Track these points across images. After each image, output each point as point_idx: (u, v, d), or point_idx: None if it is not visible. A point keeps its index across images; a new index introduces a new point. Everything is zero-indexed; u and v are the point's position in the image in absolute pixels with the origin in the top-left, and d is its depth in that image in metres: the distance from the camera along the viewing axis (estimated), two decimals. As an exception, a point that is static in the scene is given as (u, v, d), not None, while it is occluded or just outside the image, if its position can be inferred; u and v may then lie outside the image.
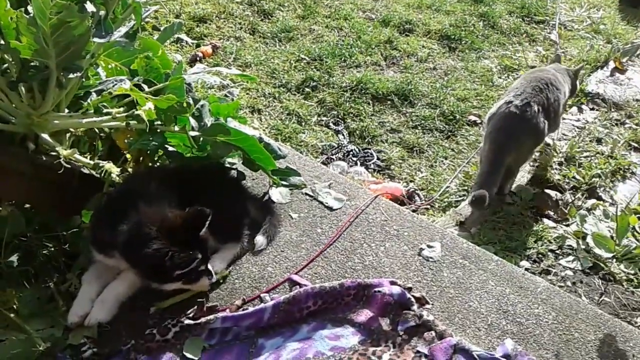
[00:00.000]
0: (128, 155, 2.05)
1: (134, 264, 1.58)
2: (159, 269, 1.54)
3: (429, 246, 1.95)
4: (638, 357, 1.69)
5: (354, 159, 2.96)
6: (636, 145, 3.12)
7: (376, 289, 1.71)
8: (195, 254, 1.58)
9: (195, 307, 1.64)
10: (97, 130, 2.02)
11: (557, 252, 2.37)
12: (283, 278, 1.79)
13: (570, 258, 2.33)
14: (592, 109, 3.43)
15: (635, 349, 1.71)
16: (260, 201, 2.07)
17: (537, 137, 2.57)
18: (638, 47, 1.97)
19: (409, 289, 1.74)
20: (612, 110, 3.40)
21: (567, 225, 2.50)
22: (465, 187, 2.80)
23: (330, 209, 2.09)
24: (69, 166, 1.73)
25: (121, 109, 1.81)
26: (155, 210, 1.60)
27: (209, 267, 1.66)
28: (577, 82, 3.03)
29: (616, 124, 3.27)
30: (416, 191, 2.76)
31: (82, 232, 1.79)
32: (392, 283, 1.74)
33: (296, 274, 1.80)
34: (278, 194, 2.09)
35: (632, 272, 2.27)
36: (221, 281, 1.77)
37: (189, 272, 1.58)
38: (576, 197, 2.68)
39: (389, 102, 3.40)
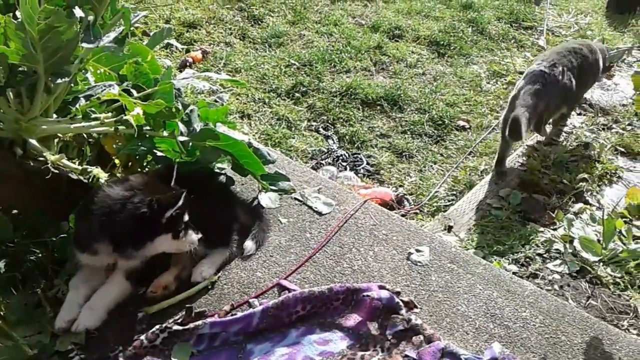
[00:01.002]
0: (117, 161, 2.05)
1: (119, 232, 1.54)
2: (147, 220, 1.53)
3: (417, 250, 1.96)
4: (624, 359, 1.70)
5: (344, 164, 2.97)
6: (623, 149, 3.15)
7: (365, 294, 1.71)
8: (179, 192, 1.58)
9: (184, 312, 1.64)
10: (85, 135, 2.01)
11: (545, 255, 2.39)
12: (272, 283, 1.80)
13: (558, 262, 2.35)
14: (579, 114, 3.46)
15: (621, 351, 1.72)
16: (249, 206, 2.07)
17: (566, 93, 2.87)
18: (624, 52, 2.00)
19: (398, 293, 1.75)
20: (599, 115, 3.44)
21: (555, 229, 2.52)
22: (454, 192, 2.81)
23: (320, 213, 2.09)
24: (57, 171, 1.72)
25: (110, 114, 1.81)
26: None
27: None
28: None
29: (603, 129, 3.31)
30: (405, 196, 2.77)
31: (70, 238, 1.78)
32: (381, 287, 1.75)
33: (285, 279, 1.81)
34: (267, 199, 2.10)
35: (619, 275, 2.29)
36: (210, 287, 1.76)
37: (176, 219, 1.57)
38: (563, 201, 2.70)
39: (378, 107, 3.41)
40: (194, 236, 1.66)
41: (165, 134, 1.94)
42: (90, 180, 1.71)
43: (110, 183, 1.67)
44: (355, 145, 3.12)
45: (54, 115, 1.88)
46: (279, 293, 1.76)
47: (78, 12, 1.55)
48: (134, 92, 1.95)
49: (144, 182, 1.64)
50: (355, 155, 3.04)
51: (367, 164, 2.99)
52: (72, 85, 1.93)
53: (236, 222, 1.91)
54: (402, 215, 2.48)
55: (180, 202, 1.57)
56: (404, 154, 3.09)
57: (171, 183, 1.64)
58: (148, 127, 1.92)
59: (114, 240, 1.57)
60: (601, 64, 3.09)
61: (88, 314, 1.58)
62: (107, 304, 1.62)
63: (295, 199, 2.14)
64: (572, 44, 3.13)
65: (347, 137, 3.16)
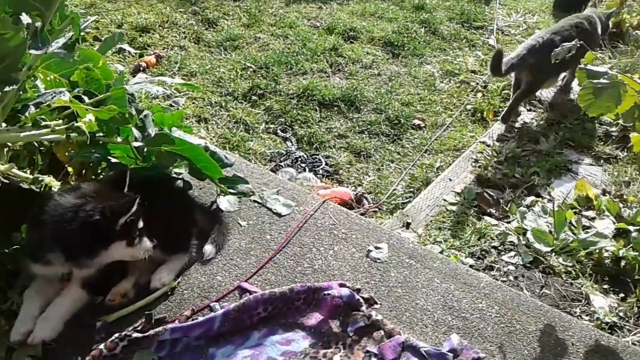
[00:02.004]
0: (69, 169, 2.01)
1: (72, 241, 1.51)
2: (100, 227, 1.51)
3: (376, 247, 2.00)
4: (577, 345, 1.77)
5: (303, 165, 2.98)
6: (571, 143, 3.27)
7: (325, 292, 1.73)
8: (132, 198, 1.56)
9: (143, 319, 1.62)
10: (36, 144, 1.97)
11: (500, 248, 2.45)
12: (233, 286, 1.80)
13: (512, 253, 2.42)
14: (529, 111, 3.57)
15: (574, 337, 1.79)
16: (207, 210, 2.06)
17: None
18: (568, 49, 2.08)
19: (358, 290, 1.77)
20: (548, 111, 3.55)
21: (508, 222, 2.60)
22: (411, 189, 2.87)
23: (279, 215, 2.10)
24: (7, 181, 1.68)
25: (60, 122, 1.77)
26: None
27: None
28: (609, 23, 3.74)
29: (552, 124, 3.42)
30: (364, 195, 2.80)
31: (22, 249, 1.74)
32: (341, 285, 1.77)
33: (246, 281, 1.81)
34: (226, 202, 2.10)
35: (570, 264, 2.38)
36: (169, 293, 1.75)
37: (130, 226, 1.56)
38: (516, 194, 2.78)
39: (335, 108, 3.44)
40: (148, 243, 1.64)
41: (119, 140, 1.91)
42: (42, 189, 1.67)
43: (61, 191, 1.64)
44: (314, 146, 3.14)
45: (3, 124, 1.83)
46: (240, 296, 1.76)
47: (25, 19, 1.52)
48: (85, 98, 1.91)
49: (96, 190, 1.61)
50: (313, 156, 3.06)
51: (326, 164, 3.02)
52: (21, 93, 1.88)
53: (195, 227, 1.90)
54: (362, 214, 2.51)
55: (134, 209, 1.55)
56: (361, 153, 3.12)
57: (124, 190, 1.62)
58: (101, 134, 1.89)
59: (66, 250, 1.54)
60: (600, 30, 3.53)
61: (43, 325, 1.55)
62: (63, 314, 1.59)
63: (255, 201, 2.15)
64: (574, 19, 3.49)
65: (305, 138, 3.18)
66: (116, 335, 1.56)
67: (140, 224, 1.61)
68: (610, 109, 1.66)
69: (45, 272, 1.61)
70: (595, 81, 1.67)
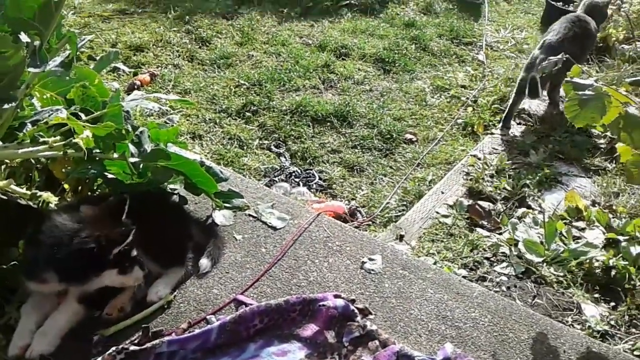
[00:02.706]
0: (66, 185, 2.03)
1: (65, 264, 1.54)
2: (94, 255, 1.53)
3: (370, 259, 2.02)
4: (569, 352, 1.80)
5: (296, 180, 3.02)
6: (561, 155, 3.32)
7: (321, 303, 1.76)
8: (128, 228, 1.59)
9: (140, 332, 1.63)
10: (33, 160, 1.99)
11: (492, 259, 2.49)
12: (229, 299, 1.81)
13: (504, 264, 2.45)
14: (519, 124, 3.63)
15: (565, 345, 1.82)
16: (203, 224, 2.09)
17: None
18: (554, 63, 2.14)
19: (353, 301, 1.79)
20: (538, 124, 3.61)
21: (500, 234, 2.64)
22: (404, 202, 2.90)
23: (274, 228, 2.13)
24: (4, 197, 1.70)
25: (58, 138, 1.80)
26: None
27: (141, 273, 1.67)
28: (607, 11, 4.00)
29: (542, 137, 3.48)
30: (358, 208, 2.83)
31: (19, 265, 1.75)
32: (336, 296, 1.80)
33: (242, 293, 1.83)
34: (221, 217, 2.12)
35: (562, 274, 2.41)
36: (166, 306, 1.77)
37: (124, 255, 1.58)
38: (507, 206, 2.82)
39: (328, 123, 3.49)
40: (140, 272, 1.67)
41: (115, 156, 1.94)
42: (40, 205, 1.69)
43: (60, 211, 1.66)
44: (307, 161, 3.18)
45: (0, 142, 1.86)
46: (236, 308, 1.78)
47: (24, 38, 1.55)
48: (82, 115, 1.95)
49: (94, 215, 1.63)
50: (307, 171, 3.09)
51: (320, 179, 3.05)
52: (19, 110, 1.91)
53: (190, 241, 1.92)
54: (356, 227, 2.54)
55: (129, 239, 1.58)
56: (354, 168, 3.16)
57: (123, 215, 1.63)
58: (98, 150, 1.92)
59: (59, 272, 1.56)
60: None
61: (41, 340, 1.56)
62: (60, 328, 1.60)
63: (250, 215, 2.17)
64: (572, 17, 3.74)
65: (298, 153, 3.22)
66: (113, 348, 1.57)
67: (134, 253, 1.64)
68: (595, 119, 1.71)
69: (40, 290, 1.62)
70: (580, 93, 1.72)
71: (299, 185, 2.98)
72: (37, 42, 1.68)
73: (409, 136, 3.45)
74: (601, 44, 4.47)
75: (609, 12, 4.29)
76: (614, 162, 3.22)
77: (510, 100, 3.54)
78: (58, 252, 1.53)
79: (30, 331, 1.57)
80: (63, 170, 1.97)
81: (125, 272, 1.63)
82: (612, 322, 2.22)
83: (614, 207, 2.87)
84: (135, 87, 3.56)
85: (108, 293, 1.71)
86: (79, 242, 1.53)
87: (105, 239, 1.56)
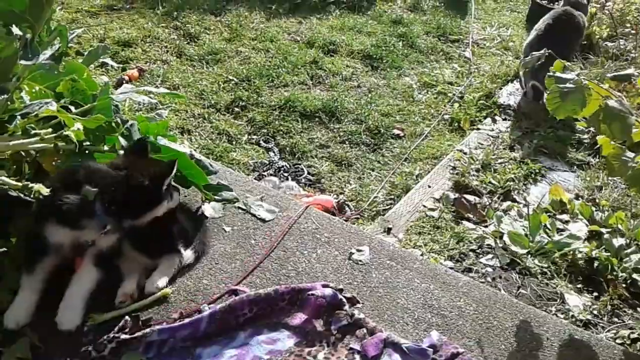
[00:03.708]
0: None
1: (131, 201, 1.70)
2: (152, 189, 1.73)
3: (358, 250, 2.05)
4: (551, 339, 1.84)
5: (285, 174, 3.04)
6: (545, 150, 3.38)
7: (309, 293, 1.79)
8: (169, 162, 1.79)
9: (129, 320, 1.65)
10: (23, 153, 2.00)
11: (478, 251, 2.53)
12: (219, 289, 1.84)
13: (490, 256, 2.50)
14: (504, 119, 3.69)
15: (548, 332, 1.86)
16: (191, 215, 2.10)
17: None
18: (537, 58, 2.18)
19: (341, 290, 1.83)
20: (523, 119, 3.67)
21: (486, 226, 2.68)
22: (392, 196, 2.94)
23: (263, 220, 2.15)
24: (-5, 189, 1.71)
25: (49, 130, 1.81)
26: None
27: None
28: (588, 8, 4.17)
29: (526, 132, 3.53)
30: (346, 202, 2.87)
31: (7, 254, 1.76)
32: (325, 286, 1.83)
33: (238, 284, 1.85)
34: (211, 209, 2.14)
35: (546, 265, 2.46)
36: (162, 299, 1.78)
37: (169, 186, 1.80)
38: (493, 200, 2.87)
39: (316, 119, 3.51)
40: (177, 196, 1.89)
41: (105, 148, 1.96)
42: (31, 195, 1.70)
43: (91, 165, 1.77)
44: (296, 156, 3.20)
45: (-10, 134, 1.87)
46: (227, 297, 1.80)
47: (16, 31, 1.57)
48: (72, 108, 1.96)
49: (127, 161, 1.78)
50: (296, 166, 3.12)
51: (308, 173, 3.08)
52: (9, 103, 1.92)
53: (178, 229, 1.94)
54: (345, 220, 2.57)
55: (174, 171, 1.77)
56: (343, 162, 3.19)
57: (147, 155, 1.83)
58: (88, 143, 1.93)
59: (125, 210, 1.69)
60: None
61: (69, 313, 1.61)
62: (84, 296, 1.65)
63: (239, 207, 2.20)
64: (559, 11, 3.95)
65: (287, 148, 3.24)
66: (104, 337, 1.59)
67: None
68: (575, 111, 1.76)
69: (63, 240, 1.65)
70: (562, 86, 1.77)
71: (287, 179, 3.00)
72: (28, 35, 1.69)
73: (396, 131, 3.49)
74: (585, 42, 4.54)
75: (593, 9, 4.39)
76: (597, 156, 3.28)
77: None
78: (121, 192, 1.66)
79: (30, 303, 1.61)
80: (53, 162, 1.98)
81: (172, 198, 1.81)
82: (595, 312, 2.27)
83: (597, 200, 2.93)
84: (124, 82, 3.55)
85: (120, 254, 1.79)
86: (137, 180, 1.70)
87: (156, 174, 1.72)
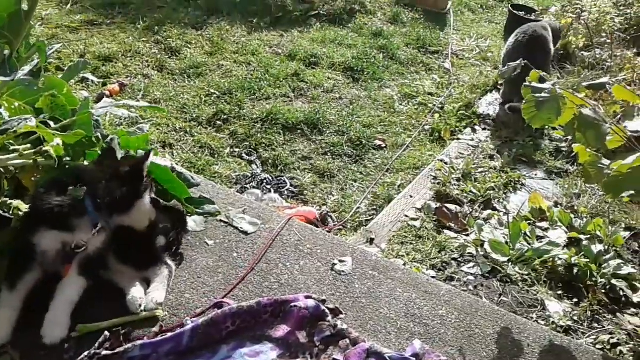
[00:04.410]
0: (33, 195, 2.03)
1: (116, 195, 1.70)
2: (133, 182, 1.74)
3: (340, 261, 2.06)
4: (532, 346, 1.86)
5: (268, 186, 3.05)
6: (524, 159, 3.43)
7: (292, 304, 1.78)
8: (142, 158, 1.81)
9: (110, 336, 1.63)
10: (2, 169, 1.98)
11: (459, 260, 2.56)
12: (201, 304, 1.83)
13: (471, 264, 2.53)
14: (484, 129, 3.74)
15: (529, 338, 1.88)
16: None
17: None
18: (514, 68, 2.23)
19: (324, 302, 1.83)
20: (502, 129, 3.72)
21: (467, 235, 2.71)
22: (374, 207, 2.96)
23: (246, 233, 2.15)
24: (-27, 206, 1.70)
25: (29, 146, 1.80)
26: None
27: None
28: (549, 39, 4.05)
29: (506, 141, 3.59)
30: (329, 213, 2.88)
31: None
32: (307, 297, 1.82)
33: (224, 297, 1.84)
34: (192, 222, 2.13)
35: (526, 273, 2.49)
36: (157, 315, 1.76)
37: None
38: (474, 209, 2.91)
39: (299, 131, 3.53)
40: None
41: (86, 163, 1.95)
42: (10, 211, 1.69)
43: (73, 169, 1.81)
44: (279, 168, 3.22)
45: (-32, 151, 1.85)
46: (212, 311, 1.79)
47: (-7, 46, 1.57)
48: (51, 124, 1.95)
49: (103, 164, 1.80)
50: (278, 178, 3.13)
51: (291, 185, 3.09)
52: (-14, 119, 1.91)
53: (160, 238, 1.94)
54: (328, 232, 2.58)
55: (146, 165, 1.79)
56: (325, 174, 3.21)
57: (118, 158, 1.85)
58: (68, 158, 1.92)
59: (110, 205, 1.69)
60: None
61: (55, 325, 1.60)
62: (69, 306, 1.64)
63: (221, 220, 2.19)
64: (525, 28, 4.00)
65: (270, 161, 3.25)
66: (85, 354, 1.57)
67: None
68: (551, 120, 1.80)
69: (50, 244, 1.64)
70: (537, 95, 1.80)
71: (270, 192, 3.01)
72: (6, 52, 1.69)
73: (378, 142, 3.52)
74: (562, 52, 4.63)
75: (569, 19, 4.47)
76: (575, 164, 3.34)
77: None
78: (106, 187, 1.68)
79: (9, 321, 1.59)
80: (32, 179, 1.96)
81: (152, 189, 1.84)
82: (575, 318, 2.31)
83: (575, 208, 2.98)
84: (105, 97, 3.54)
85: (104, 261, 1.78)
86: (118, 175, 1.71)
87: (134, 163, 1.76)
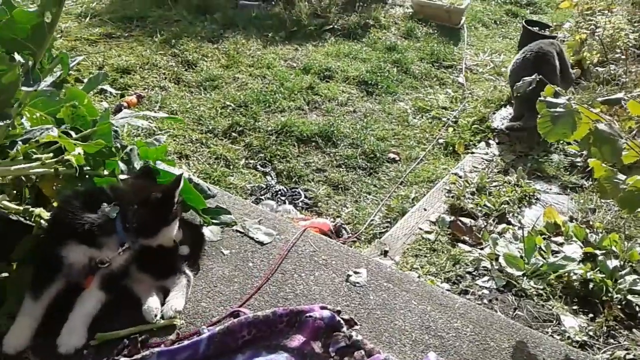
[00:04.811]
0: (55, 203, 2.06)
1: (146, 220, 1.73)
2: (163, 208, 1.76)
3: (355, 272, 2.07)
4: (548, 359, 1.85)
5: (282, 198, 3.07)
6: (539, 173, 3.42)
7: (307, 315, 1.79)
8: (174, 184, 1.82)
9: (128, 343, 1.65)
10: (23, 178, 2.02)
11: (474, 273, 2.55)
12: (217, 312, 1.85)
13: (486, 278, 2.52)
14: (498, 143, 3.74)
15: (544, 353, 1.87)
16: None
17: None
18: (529, 83, 2.24)
19: (338, 312, 1.83)
20: (516, 143, 3.72)
21: (482, 249, 2.71)
22: (388, 219, 2.96)
23: (261, 243, 2.17)
24: (-4, 213, 1.73)
25: (51, 155, 1.84)
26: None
27: None
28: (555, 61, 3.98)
29: (520, 156, 3.58)
30: (343, 225, 2.89)
31: (9, 278, 1.77)
32: (323, 308, 1.83)
33: (240, 306, 1.86)
34: (209, 232, 2.16)
35: (541, 287, 2.48)
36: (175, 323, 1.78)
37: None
38: (488, 222, 2.90)
39: (313, 143, 3.56)
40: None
41: (105, 173, 1.98)
42: (32, 219, 1.72)
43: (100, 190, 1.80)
44: (293, 180, 3.24)
45: (-8, 159, 1.89)
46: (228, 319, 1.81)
47: (18, 57, 1.60)
48: (72, 134, 1.99)
49: (135, 184, 1.83)
50: (293, 190, 3.15)
51: (305, 197, 3.11)
52: (10, 129, 1.95)
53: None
54: (342, 243, 2.58)
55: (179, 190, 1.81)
56: (339, 186, 3.22)
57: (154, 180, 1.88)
58: (88, 168, 1.96)
59: (139, 229, 1.71)
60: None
61: (72, 334, 1.62)
62: (87, 317, 1.66)
63: (237, 230, 2.21)
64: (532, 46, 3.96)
65: (284, 172, 3.28)
66: (104, 359, 1.60)
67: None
68: (566, 135, 1.80)
69: (78, 259, 1.66)
70: (552, 110, 1.81)
71: (285, 203, 3.03)
72: (30, 62, 1.73)
73: (392, 155, 3.53)
74: (576, 67, 4.63)
75: (583, 35, 4.48)
76: (590, 179, 3.33)
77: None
78: (136, 212, 1.69)
79: (29, 329, 1.61)
80: (53, 187, 2.00)
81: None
82: (591, 333, 2.29)
83: (590, 223, 2.96)
84: (123, 108, 3.59)
85: (125, 276, 1.80)
86: (149, 202, 1.72)
87: (165, 195, 1.75)
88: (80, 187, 1.82)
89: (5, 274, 1.75)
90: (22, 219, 1.81)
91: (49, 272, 1.67)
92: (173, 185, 1.79)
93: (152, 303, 1.78)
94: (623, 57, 4.59)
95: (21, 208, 1.78)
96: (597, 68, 4.64)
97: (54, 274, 1.67)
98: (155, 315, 1.75)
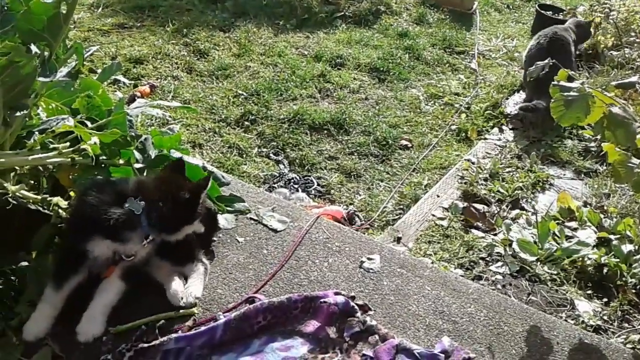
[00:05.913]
0: (72, 193, 2.09)
1: (170, 216, 1.74)
2: (189, 205, 1.77)
3: (369, 259, 2.09)
4: (562, 344, 1.86)
5: (295, 186, 3.08)
6: (553, 159, 3.41)
7: (322, 300, 1.82)
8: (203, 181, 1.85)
9: (147, 330, 1.68)
10: (40, 168, 2.06)
11: (487, 259, 2.56)
12: (233, 299, 1.87)
13: (499, 264, 2.52)
14: (511, 129, 3.72)
15: (558, 337, 1.88)
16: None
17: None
18: (542, 68, 2.23)
19: (353, 298, 1.86)
20: (530, 129, 3.70)
21: (495, 235, 2.71)
22: (401, 206, 2.97)
23: (275, 230, 2.19)
24: (15, 202, 1.76)
25: (67, 144, 1.86)
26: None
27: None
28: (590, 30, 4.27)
29: (533, 141, 3.56)
30: (356, 212, 2.90)
31: (29, 267, 1.80)
32: (337, 294, 1.86)
33: (256, 292, 1.88)
34: (223, 220, 2.18)
35: (555, 272, 2.48)
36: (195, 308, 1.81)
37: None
38: (501, 208, 2.90)
39: (325, 131, 3.56)
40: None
41: (121, 162, 2.01)
42: (50, 208, 1.75)
43: (125, 182, 1.80)
44: (305, 168, 3.25)
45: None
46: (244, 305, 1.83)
47: (34, 48, 1.63)
48: (88, 123, 2.01)
49: (162, 178, 1.83)
50: (305, 178, 3.16)
51: (318, 185, 3.12)
52: (27, 119, 1.98)
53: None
54: (355, 230, 2.60)
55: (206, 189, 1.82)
56: (352, 174, 3.23)
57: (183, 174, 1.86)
58: (104, 157, 1.98)
59: (164, 225, 1.73)
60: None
61: (91, 323, 1.65)
62: (107, 307, 1.69)
63: (251, 218, 2.24)
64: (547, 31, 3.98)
65: (297, 160, 3.29)
66: (123, 345, 1.63)
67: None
68: (580, 119, 1.79)
69: (103, 252, 1.69)
70: (566, 94, 1.80)
71: (297, 191, 3.04)
72: (46, 53, 1.75)
73: (404, 142, 3.53)
74: (590, 51, 4.58)
75: (598, 19, 4.43)
76: (604, 164, 3.31)
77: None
78: (161, 209, 1.70)
79: (49, 317, 1.64)
80: (70, 177, 2.03)
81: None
82: (605, 317, 2.29)
83: (605, 208, 2.95)
84: (136, 98, 3.62)
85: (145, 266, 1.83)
86: (176, 200, 1.73)
87: (192, 195, 1.76)
88: (104, 179, 1.84)
89: (25, 263, 1.79)
90: (40, 209, 1.84)
91: (73, 264, 1.70)
92: (201, 185, 1.80)
93: (177, 286, 1.82)
94: (638, 40, 4.53)
95: (39, 197, 1.81)
96: (611, 52, 4.58)
97: (78, 267, 1.69)
98: (182, 298, 1.78)
